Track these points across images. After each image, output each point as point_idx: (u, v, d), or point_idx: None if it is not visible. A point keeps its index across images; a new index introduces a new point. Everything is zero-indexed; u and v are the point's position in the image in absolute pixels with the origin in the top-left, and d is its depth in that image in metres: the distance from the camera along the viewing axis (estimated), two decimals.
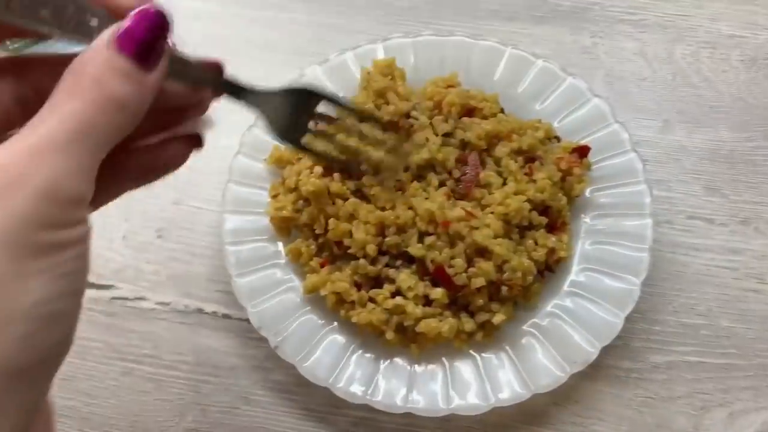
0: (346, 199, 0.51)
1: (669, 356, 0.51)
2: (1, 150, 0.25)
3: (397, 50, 0.59)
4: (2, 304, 0.23)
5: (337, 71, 0.59)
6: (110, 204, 0.58)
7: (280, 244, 0.53)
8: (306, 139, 0.41)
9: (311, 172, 0.52)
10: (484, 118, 0.55)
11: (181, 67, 0.31)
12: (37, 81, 0.30)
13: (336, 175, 0.52)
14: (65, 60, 0.28)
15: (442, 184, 0.51)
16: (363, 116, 0.48)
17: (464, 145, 0.52)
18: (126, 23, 0.28)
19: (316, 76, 0.59)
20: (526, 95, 0.58)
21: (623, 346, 0.51)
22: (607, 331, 0.48)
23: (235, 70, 0.65)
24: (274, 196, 0.54)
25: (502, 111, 0.56)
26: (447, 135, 0.53)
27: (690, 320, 0.52)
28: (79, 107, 0.26)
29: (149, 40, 0.28)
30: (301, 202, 0.52)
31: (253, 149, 0.56)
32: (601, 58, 0.64)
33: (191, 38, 0.64)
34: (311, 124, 0.41)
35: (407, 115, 0.54)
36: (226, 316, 0.54)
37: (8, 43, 0.32)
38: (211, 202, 0.58)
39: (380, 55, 0.59)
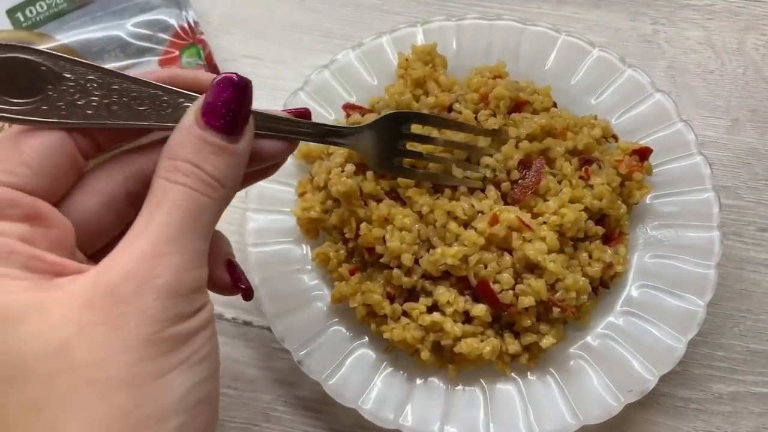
0: (379, 201, 0.46)
1: (734, 386, 0.46)
2: (123, 255, 0.26)
3: (438, 34, 0.54)
4: (153, 402, 0.25)
5: (371, 56, 0.54)
6: None
7: (306, 247, 0.49)
8: (398, 162, 0.43)
9: (342, 170, 0.47)
10: (534, 113, 0.50)
11: (269, 123, 0.33)
12: (143, 170, 0.31)
13: (369, 174, 0.47)
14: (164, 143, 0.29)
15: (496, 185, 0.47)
16: (453, 125, 0.46)
17: (516, 143, 0.47)
18: (209, 96, 0.29)
19: (348, 61, 0.54)
20: (580, 88, 0.52)
21: (682, 372, 0.46)
22: (667, 357, 0.44)
23: (260, 53, 0.62)
24: (302, 194, 0.50)
25: (554, 105, 0.51)
26: (494, 132, 0.48)
27: (759, 346, 0.47)
28: (181, 196, 0.27)
29: (233, 108, 0.29)
30: (330, 201, 0.48)
31: None
32: (662, 48, 0.58)
33: (217, 18, 0.61)
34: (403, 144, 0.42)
35: (449, 108, 0.49)
36: (246, 323, 0.50)
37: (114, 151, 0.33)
38: (234, 199, 0.53)
39: (419, 40, 0.54)
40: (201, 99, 0.29)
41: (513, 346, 0.43)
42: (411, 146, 0.44)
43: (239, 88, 0.29)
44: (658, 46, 0.58)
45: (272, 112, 0.33)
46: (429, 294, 0.45)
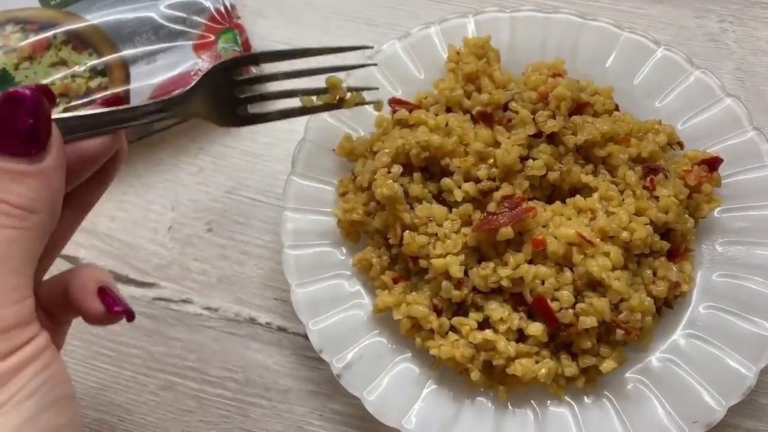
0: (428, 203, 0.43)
1: None
2: None
3: (491, 26, 0.50)
4: None
5: (419, 48, 0.51)
6: (154, 189, 0.52)
7: (346, 250, 0.46)
8: (243, 110, 0.39)
9: (389, 172, 0.44)
10: (595, 115, 0.46)
11: (82, 122, 0.30)
12: None
13: (416, 176, 0.44)
14: None
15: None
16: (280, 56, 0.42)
17: (577, 149, 0.44)
18: None
19: (394, 52, 0.50)
20: (642, 90, 0.49)
21: (748, 401, 0.43)
22: (736, 386, 0.40)
23: (299, 41, 0.59)
24: (343, 194, 0.47)
25: (616, 108, 0.47)
26: (551, 135, 0.44)
27: None
28: None
29: (26, 126, 0.27)
30: (373, 204, 0.45)
31: (321, 137, 0.48)
32: (730, 48, 0.54)
33: (253, 1, 0.57)
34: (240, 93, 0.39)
35: (505, 107, 0.46)
36: (281, 329, 0.47)
37: None
38: (269, 194, 0.51)
39: (470, 32, 0.51)
40: None
41: (570, 368, 0.40)
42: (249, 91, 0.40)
43: (28, 102, 0.27)
44: (726, 46, 0.54)
45: (81, 111, 0.31)
46: (479, 309, 0.42)
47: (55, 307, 0.29)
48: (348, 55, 0.43)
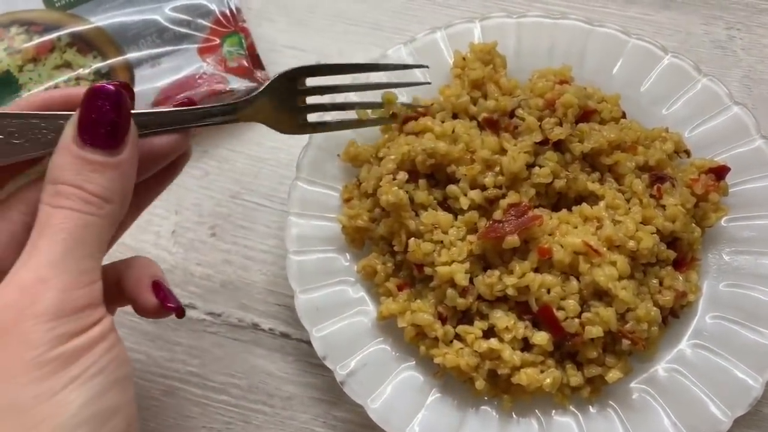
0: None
1: None
2: (7, 288, 0.27)
3: (497, 32, 0.50)
4: (46, 424, 0.25)
5: (424, 53, 0.50)
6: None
7: (350, 256, 0.46)
8: (302, 119, 0.40)
9: (394, 178, 0.44)
10: (602, 123, 0.46)
11: (154, 119, 0.32)
12: (38, 202, 0.29)
13: (422, 183, 0.44)
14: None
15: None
16: (347, 69, 0.44)
17: (583, 156, 0.43)
18: (81, 112, 0.28)
19: (400, 57, 0.50)
20: (649, 97, 0.48)
21: (753, 412, 0.42)
22: (742, 397, 0.40)
23: (304, 44, 0.58)
24: (347, 200, 0.47)
25: (623, 116, 0.47)
26: (557, 143, 0.44)
27: None
28: (63, 219, 0.27)
29: (108, 120, 0.28)
30: (378, 210, 0.45)
31: (326, 142, 0.48)
32: (738, 55, 0.54)
33: (259, 5, 0.57)
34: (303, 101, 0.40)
35: (511, 114, 0.45)
36: (284, 335, 0.47)
37: (9, 185, 0.33)
38: (273, 198, 0.51)
39: (477, 37, 0.50)
40: (75, 116, 0.28)
41: (575, 378, 0.40)
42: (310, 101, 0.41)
43: (111, 98, 0.29)
44: (734, 53, 0.54)
45: (155, 109, 0.33)
46: (484, 317, 0.41)
47: (107, 295, 0.30)
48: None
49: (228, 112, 0.35)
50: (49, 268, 0.27)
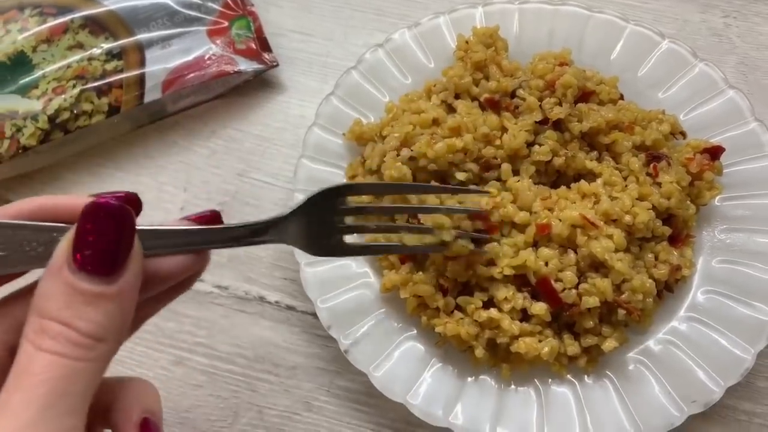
0: None
1: None
2: None
3: (499, 17, 0.52)
4: None
5: (428, 37, 0.52)
6: (167, 171, 0.53)
7: None
8: (338, 241, 0.35)
9: (398, 155, 0.45)
10: (601, 104, 0.47)
11: (164, 240, 0.27)
12: (20, 321, 0.25)
13: (424, 162, 0.45)
14: None
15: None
16: (391, 189, 0.42)
17: (582, 135, 0.45)
18: (78, 231, 0.23)
19: (404, 41, 0.52)
20: (646, 81, 0.50)
21: (746, 384, 0.44)
22: (734, 368, 0.41)
23: (310, 29, 0.60)
24: (352, 177, 0.48)
25: (621, 97, 0.48)
26: (557, 122, 0.45)
27: None
28: (46, 368, 0.23)
29: (108, 242, 0.24)
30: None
31: (331, 122, 0.49)
32: (733, 42, 0.55)
33: None
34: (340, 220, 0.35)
35: (512, 94, 0.47)
36: (290, 308, 0.48)
37: None
38: (279, 176, 0.52)
39: (479, 22, 0.52)
40: (70, 234, 0.24)
41: (572, 347, 0.41)
42: (349, 221, 0.36)
43: (114, 217, 0.24)
44: (729, 40, 0.55)
45: (167, 225, 0.27)
46: (484, 289, 0.43)
47: (92, 413, 0.25)
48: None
49: (262, 233, 0.31)
50: (27, 425, 0.22)
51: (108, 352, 0.24)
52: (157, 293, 0.28)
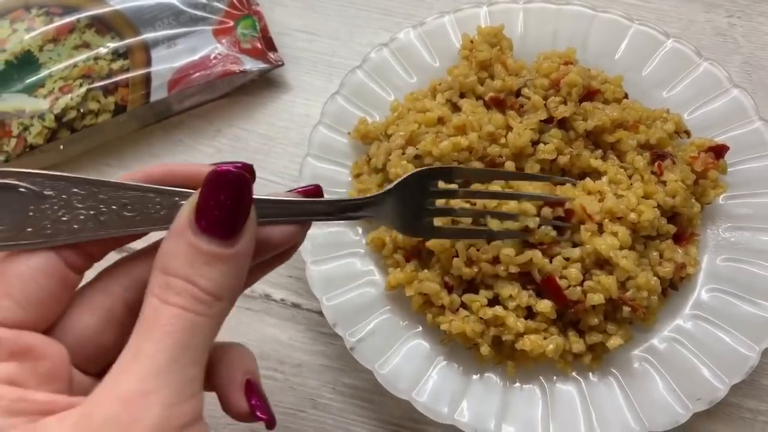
0: None
1: None
2: (108, 395, 0.24)
3: (504, 17, 0.52)
4: None
5: (433, 37, 0.52)
6: None
7: (361, 231, 0.47)
8: (428, 222, 0.37)
9: (403, 153, 0.45)
10: (605, 103, 0.48)
11: (275, 208, 0.29)
12: (141, 279, 0.28)
13: (429, 159, 0.45)
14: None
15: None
16: (482, 175, 0.42)
17: (587, 134, 0.45)
18: (201, 196, 0.25)
19: (409, 40, 0.52)
20: (651, 80, 0.50)
21: (750, 382, 0.44)
22: (739, 366, 0.41)
23: (315, 28, 0.60)
24: (357, 176, 0.48)
25: (626, 96, 0.48)
26: (561, 121, 0.45)
27: None
28: (173, 319, 0.25)
29: (229, 208, 0.25)
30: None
31: (336, 121, 0.49)
32: (738, 42, 0.55)
33: None
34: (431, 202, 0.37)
35: (517, 93, 0.47)
36: (295, 305, 0.48)
37: None
38: (284, 175, 0.52)
39: (484, 21, 0.52)
40: (193, 199, 0.26)
41: (577, 345, 0.41)
42: (440, 204, 0.39)
43: (235, 186, 0.25)
44: (734, 40, 0.55)
45: (278, 196, 0.30)
46: (489, 287, 0.43)
47: None
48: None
49: (359, 208, 0.32)
50: (153, 379, 0.24)
51: (224, 310, 0.26)
52: (261, 261, 0.30)
